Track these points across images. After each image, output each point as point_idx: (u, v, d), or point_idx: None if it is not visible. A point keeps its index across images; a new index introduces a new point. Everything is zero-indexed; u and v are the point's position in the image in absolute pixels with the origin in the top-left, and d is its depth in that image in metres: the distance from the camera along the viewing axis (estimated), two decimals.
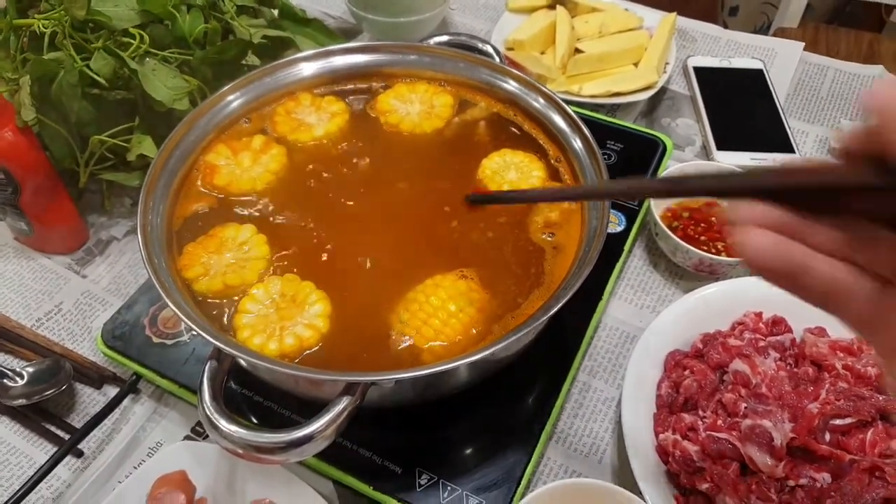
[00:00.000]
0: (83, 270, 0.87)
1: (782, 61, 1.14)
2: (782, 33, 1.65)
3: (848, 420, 0.63)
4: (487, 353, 0.56)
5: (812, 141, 1.03)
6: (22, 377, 0.74)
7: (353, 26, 1.21)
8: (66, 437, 0.71)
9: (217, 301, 0.65)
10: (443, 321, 0.62)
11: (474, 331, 0.63)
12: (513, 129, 0.79)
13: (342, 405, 0.53)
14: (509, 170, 0.74)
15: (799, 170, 0.35)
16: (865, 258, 0.36)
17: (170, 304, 0.57)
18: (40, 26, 0.78)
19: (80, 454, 0.71)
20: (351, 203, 0.72)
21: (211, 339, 0.55)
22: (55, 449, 0.70)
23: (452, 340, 0.62)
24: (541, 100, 0.77)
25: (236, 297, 0.64)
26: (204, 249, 0.67)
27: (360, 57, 0.82)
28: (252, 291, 0.64)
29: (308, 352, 0.61)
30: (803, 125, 1.05)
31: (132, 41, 0.81)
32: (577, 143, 0.72)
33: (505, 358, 0.66)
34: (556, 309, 0.58)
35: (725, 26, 2.21)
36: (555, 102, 0.75)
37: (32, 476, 0.66)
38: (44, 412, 0.74)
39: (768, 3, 2.08)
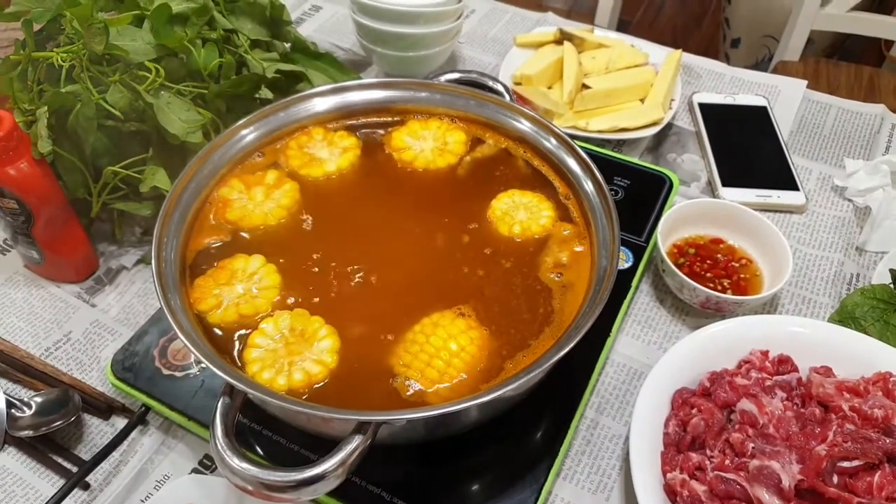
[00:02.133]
0: (92, 299, 0.88)
1: (785, 98, 1.16)
2: (783, 67, 1.67)
3: (855, 462, 0.63)
4: (499, 392, 0.56)
5: (815, 178, 1.04)
6: (30, 407, 0.74)
7: (362, 59, 1.22)
8: (74, 469, 0.71)
9: (229, 334, 0.65)
10: (446, 362, 0.63)
11: (478, 368, 0.63)
12: (523, 167, 0.80)
13: (354, 444, 0.53)
14: (519, 210, 0.75)
15: None
16: None
17: (186, 343, 0.58)
18: (58, 60, 0.79)
19: (86, 487, 0.71)
20: (360, 239, 0.73)
21: (226, 377, 0.56)
22: (62, 481, 0.70)
23: (457, 380, 0.62)
24: (553, 140, 0.78)
25: (250, 329, 0.65)
26: (215, 282, 0.68)
27: (373, 93, 0.84)
28: (262, 325, 0.65)
29: (316, 386, 0.62)
30: (807, 162, 1.06)
31: (148, 74, 0.82)
32: (589, 186, 0.73)
33: (515, 396, 0.66)
34: (568, 348, 0.58)
35: (727, 58, 2.25)
36: (567, 144, 0.76)
37: None
38: (51, 443, 0.74)
39: (769, 37, 2.11)
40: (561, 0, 2.72)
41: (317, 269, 0.70)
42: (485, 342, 0.65)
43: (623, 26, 1.80)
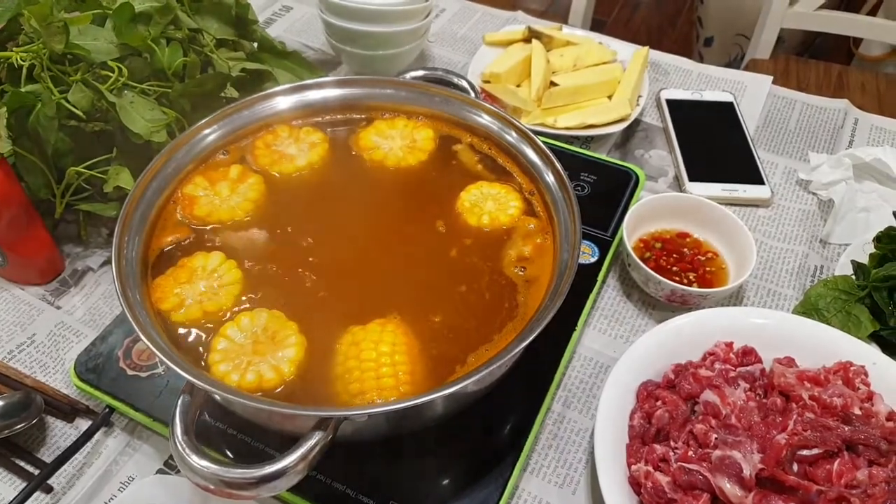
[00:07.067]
0: (57, 301, 0.87)
1: (752, 94, 1.17)
2: (755, 65, 1.69)
3: (815, 451, 0.64)
4: (461, 385, 0.56)
5: (781, 172, 1.05)
6: None
7: (332, 58, 1.22)
8: (36, 472, 0.70)
9: (195, 332, 0.65)
10: (392, 364, 0.62)
11: (417, 350, 0.64)
12: (487, 162, 0.80)
13: (314, 440, 0.53)
14: (487, 201, 0.75)
15: None
16: None
17: (143, 338, 0.57)
18: (18, 59, 0.78)
19: (49, 490, 0.70)
20: (329, 235, 0.73)
21: (184, 374, 0.55)
22: (24, 484, 0.69)
23: (411, 372, 0.62)
24: (514, 133, 0.78)
25: (212, 325, 0.65)
26: (175, 280, 0.68)
27: (337, 91, 0.84)
28: (241, 319, 0.65)
29: (263, 393, 0.61)
30: (772, 156, 1.08)
31: (110, 74, 0.81)
32: (550, 177, 0.74)
33: (479, 390, 0.66)
34: (529, 339, 0.59)
35: (701, 57, 2.27)
36: (527, 136, 0.77)
37: None
38: (13, 447, 0.73)
39: (741, 35, 2.13)
40: (536, 0, 2.73)
41: (277, 269, 0.70)
42: (405, 328, 0.65)
43: (598, 26, 1.81)
